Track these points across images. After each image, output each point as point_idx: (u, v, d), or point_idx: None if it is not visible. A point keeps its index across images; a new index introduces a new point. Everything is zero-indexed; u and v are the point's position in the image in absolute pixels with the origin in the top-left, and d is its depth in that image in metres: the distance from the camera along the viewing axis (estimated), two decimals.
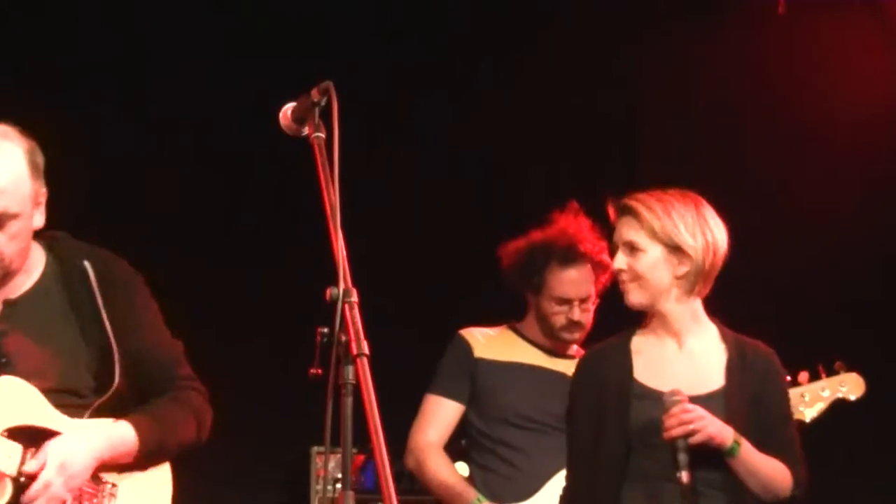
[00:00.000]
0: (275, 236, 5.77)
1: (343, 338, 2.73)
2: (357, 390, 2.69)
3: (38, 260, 3.39)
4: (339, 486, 3.30)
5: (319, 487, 5.37)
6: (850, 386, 4.62)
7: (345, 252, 2.80)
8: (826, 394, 4.57)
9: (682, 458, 3.60)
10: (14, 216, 3.23)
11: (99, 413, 3.31)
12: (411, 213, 5.99)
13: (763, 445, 3.70)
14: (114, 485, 3.29)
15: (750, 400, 3.74)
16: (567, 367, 4.69)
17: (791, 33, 6.00)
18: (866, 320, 5.88)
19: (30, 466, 3.18)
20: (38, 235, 3.39)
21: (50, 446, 3.20)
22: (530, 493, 4.51)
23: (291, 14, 5.84)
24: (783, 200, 5.96)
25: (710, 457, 3.65)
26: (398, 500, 2.63)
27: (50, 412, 3.26)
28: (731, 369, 3.77)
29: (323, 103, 2.97)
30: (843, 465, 5.61)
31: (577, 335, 4.66)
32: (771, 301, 5.74)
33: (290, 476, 5.63)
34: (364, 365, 2.70)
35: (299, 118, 3.03)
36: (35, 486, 3.15)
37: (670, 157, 5.97)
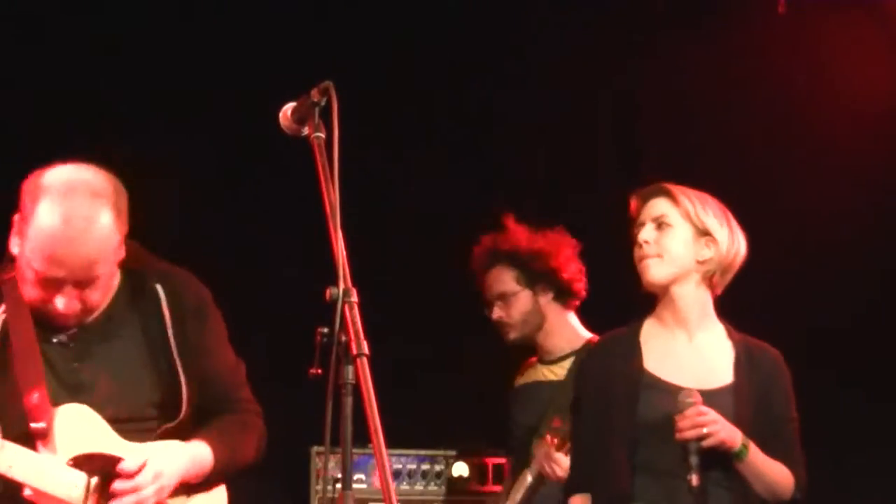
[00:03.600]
0: (274, 236, 5.77)
1: (343, 338, 2.73)
2: (357, 390, 2.69)
3: (113, 283, 3.33)
4: (339, 486, 3.30)
5: (319, 487, 5.36)
6: None
7: (345, 252, 2.80)
8: None
9: (694, 459, 3.60)
10: (104, 275, 3.21)
11: (164, 437, 3.28)
12: (410, 213, 5.98)
13: (766, 446, 3.71)
14: None
15: (756, 399, 3.75)
16: (563, 369, 4.76)
17: (791, 33, 6.00)
18: (867, 319, 5.88)
19: (127, 465, 3.15)
20: None
21: (149, 453, 3.18)
22: None
23: (291, 14, 5.84)
24: (783, 200, 5.95)
25: (716, 456, 3.65)
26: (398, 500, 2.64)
27: (116, 441, 3.22)
28: (739, 367, 3.78)
29: (323, 103, 2.98)
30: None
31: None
32: (770, 299, 5.74)
33: (290, 476, 5.62)
34: (364, 365, 2.71)
35: (299, 118, 3.04)
36: (128, 484, 3.13)
37: (670, 156, 5.96)
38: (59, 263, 3.11)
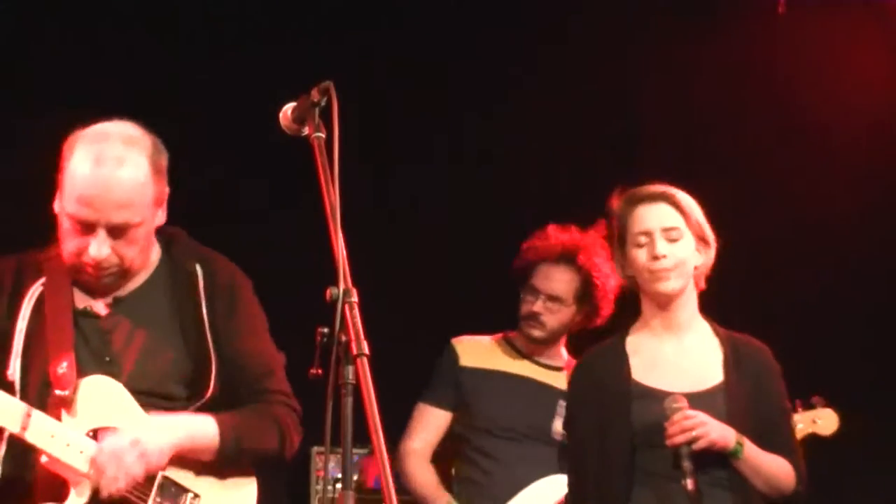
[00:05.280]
0: (274, 236, 5.77)
1: (343, 338, 2.73)
2: (357, 390, 2.69)
3: (153, 258, 3.39)
4: (339, 486, 3.31)
5: (319, 487, 5.36)
6: (824, 421, 4.70)
7: (345, 252, 2.80)
8: (800, 427, 4.59)
9: (687, 465, 3.60)
10: (137, 225, 3.23)
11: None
12: (411, 214, 5.99)
13: (764, 440, 3.71)
14: (196, 495, 3.26)
15: (749, 395, 3.75)
16: (556, 379, 4.72)
17: (791, 33, 6.00)
18: (866, 318, 5.88)
19: (104, 438, 3.15)
20: (156, 232, 3.39)
21: (128, 425, 3.18)
22: (502, 502, 4.55)
23: (291, 13, 5.84)
24: (783, 200, 5.96)
25: (714, 456, 3.65)
26: (398, 500, 2.64)
27: (138, 414, 3.23)
28: (728, 365, 3.78)
29: (323, 103, 2.98)
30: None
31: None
32: (768, 301, 5.74)
33: (290, 476, 5.63)
34: (364, 365, 2.71)
35: (299, 118, 3.03)
36: (105, 452, 3.12)
37: (670, 157, 5.97)
38: (89, 203, 3.16)
